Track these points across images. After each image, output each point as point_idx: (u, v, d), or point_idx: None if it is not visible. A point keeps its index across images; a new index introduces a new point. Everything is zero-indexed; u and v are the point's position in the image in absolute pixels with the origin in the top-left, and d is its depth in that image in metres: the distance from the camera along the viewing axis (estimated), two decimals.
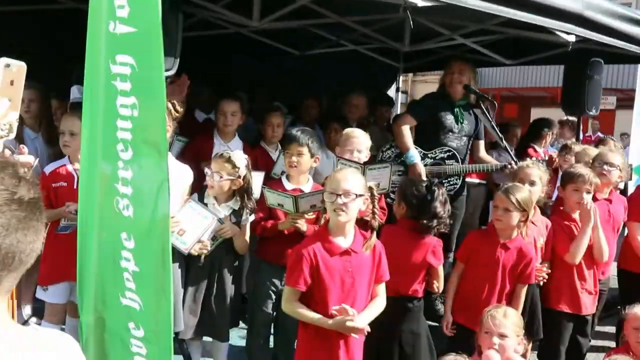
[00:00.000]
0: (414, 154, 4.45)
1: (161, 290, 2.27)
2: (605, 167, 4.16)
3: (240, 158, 3.49)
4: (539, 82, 16.48)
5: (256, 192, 3.68)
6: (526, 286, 3.57)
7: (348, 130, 4.18)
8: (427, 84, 13.80)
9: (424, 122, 4.57)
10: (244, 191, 3.54)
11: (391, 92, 7.95)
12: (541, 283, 3.80)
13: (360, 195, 2.81)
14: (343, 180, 2.81)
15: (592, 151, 4.75)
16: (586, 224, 3.74)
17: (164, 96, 2.17)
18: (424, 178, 4.31)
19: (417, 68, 8.52)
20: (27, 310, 4.41)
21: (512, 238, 3.51)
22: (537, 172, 3.91)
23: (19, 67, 1.76)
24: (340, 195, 2.77)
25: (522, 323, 3.06)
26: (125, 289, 2.36)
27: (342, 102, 5.88)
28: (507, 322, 2.94)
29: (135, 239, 2.30)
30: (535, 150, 6.02)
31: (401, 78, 8.58)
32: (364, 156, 3.99)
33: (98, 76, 2.32)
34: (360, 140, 4.00)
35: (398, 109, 7.83)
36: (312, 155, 3.67)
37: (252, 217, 3.64)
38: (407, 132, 4.50)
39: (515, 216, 3.46)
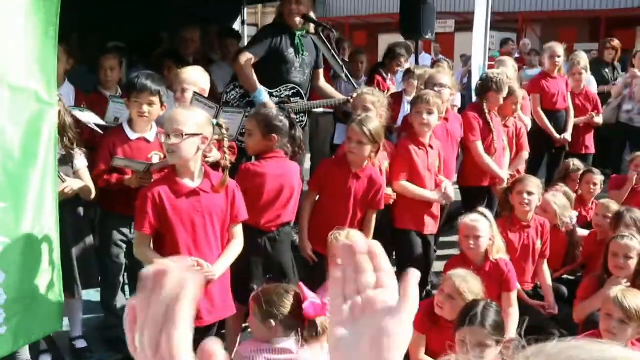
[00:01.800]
0: (262, 92, 4.34)
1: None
2: (435, 88, 4.39)
3: None
4: (384, 8, 16.88)
5: (231, 131, 3.35)
6: (376, 212, 3.74)
7: (182, 69, 3.90)
8: None
9: (264, 57, 4.40)
10: (62, 131, 3.18)
11: (237, 25, 7.76)
12: (391, 202, 3.98)
13: (195, 135, 2.73)
14: (174, 121, 2.73)
15: (430, 72, 5.01)
16: None
17: None
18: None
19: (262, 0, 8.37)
20: None
21: (363, 167, 3.63)
22: (371, 98, 4.04)
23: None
24: (169, 135, 2.70)
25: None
26: None
27: (176, 39, 5.65)
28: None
29: None
30: (383, 78, 6.20)
31: (250, 10, 8.37)
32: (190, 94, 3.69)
33: None
34: (189, 78, 3.71)
35: (245, 43, 7.67)
36: (161, 104, 3.50)
37: (83, 158, 3.35)
38: (250, 70, 4.33)
39: (368, 148, 3.57)
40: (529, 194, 4.02)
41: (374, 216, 3.74)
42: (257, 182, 3.37)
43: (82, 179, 3.32)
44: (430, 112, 4.01)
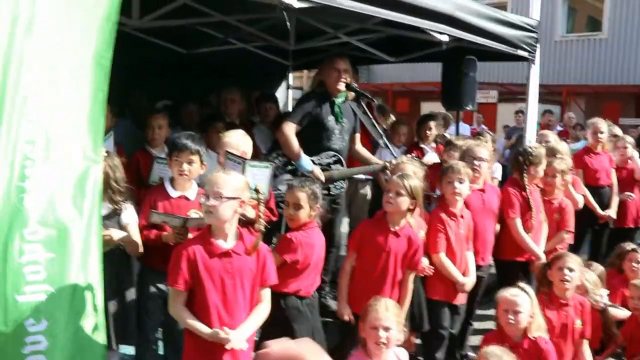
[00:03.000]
0: (307, 160, 4.43)
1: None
2: (474, 162, 4.41)
3: None
4: (427, 77, 17.12)
5: (262, 189, 3.40)
6: (413, 273, 3.72)
7: (225, 133, 4.02)
8: None
9: (306, 125, 4.51)
10: (110, 187, 3.40)
11: (283, 89, 8.00)
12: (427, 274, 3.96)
13: (233, 198, 2.80)
14: (214, 183, 2.81)
15: (469, 144, 5.03)
16: None
17: None
18: (324, 180, 4.38)
19: (307, 65, 8.60)
20: None
21: (401, 226, 3.66)
22: (411, 167, 4.09)
23: None
24: (208, 197, 2.78)
25: (402, 312, 3.19)
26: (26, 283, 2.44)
27: (219, 100, 5.85)
28: (389, 314, 3.04)
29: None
30: (421, 149, 6.23)
31: (297, 74, 8.62)
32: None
33: None
34: (231, 142, 3.82)
35: (290, 106, 7.88)
36: (201, 163, 3.64)
37: (131, 211, 3.49)
38: (293, 140, 4.42)
39: (405, 201, 3.61)
40: (570, 270, 3.93)
41: (411, 277, 3.73)
42: (306, 252, 3.51)
43: (129, 234, 3.43)
44: (461, 181, 4.04)
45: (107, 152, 3.41)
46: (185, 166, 3.57)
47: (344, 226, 5.59)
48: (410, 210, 3.67)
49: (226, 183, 2.81)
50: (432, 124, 6.30)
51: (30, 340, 2.45)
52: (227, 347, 2.73)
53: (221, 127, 4.74)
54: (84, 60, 2.63)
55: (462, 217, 4.13)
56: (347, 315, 3.69)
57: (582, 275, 4.21)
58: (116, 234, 3.37)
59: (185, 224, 3.39)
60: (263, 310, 2.97)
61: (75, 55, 2.61)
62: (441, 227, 4.04)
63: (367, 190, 5.95)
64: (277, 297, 3.29)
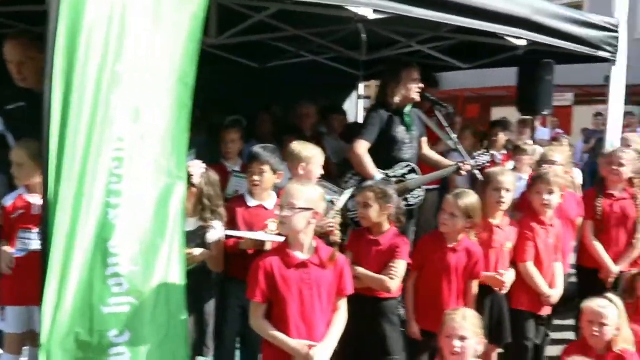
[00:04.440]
0: (380, 178, 4.37)
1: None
2: (546, 165, 4.29)
3: (194, 166, 3.46)
4: (498, 81, 16.73)
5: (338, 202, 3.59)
6: (476, 281, 3.67)
7: (292, 147, 4.04)
8: None
9: (377, 140, 4.47)
10: (201, 203, 3.47)
11: (353, 99, 8.02)
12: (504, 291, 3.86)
13: (306, 209, 2.82)
14: (288, 194, 2.85)
15: (545, 149, 4.90)
16: None
17: None
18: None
19: (378, 75, 8.58)
20: None
21: (458, 241, 3.62)
22: (510, 179, 3.93)
23: None
24: (282, 207, 2.82)
25: (480, 322, 3.12)
26: (111, 295, 2.53)
27: (293, 113, 5.92)
28: (466, 324, 3.00)
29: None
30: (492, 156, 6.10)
31: (367, 84, 8.65)
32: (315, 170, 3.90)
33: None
34: (303, 155, 3.89)
35: (360, 116, 7.89)
36: (274, 172, 3.70)
37: (219, 231, 3.54)
38: (367, 158, 4.40)
39: (460, 221, 3.56)
40: None
41: (475, 285, 3.70)
42: None
43: (213, 251, 3.49)
44: (550, 192, 3.92)
45: (205, 168, 3.51)
46: (256, 177, 3.66)
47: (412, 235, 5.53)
48: (469, 228, 3.62)
49: (300, 194, 2.83)
50: (499, 130, 6.19)
51: (114, 352, 2.53)
52: None
53: (295, 139, 4.79)
54: (169, 80, 2.73)
55: (552, 226, 4.03)
56: (416, 331, 3.70)
57: None
58: (199, 253, 3.43)
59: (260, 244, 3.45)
60: (341, 321, 2.98)
61: (161, 76, 2.71)
62: (530, 236, 3.94)
63: (435, 197, 5.86)
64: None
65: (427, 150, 4.93)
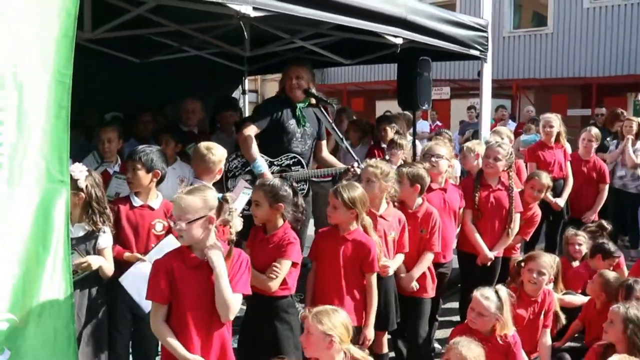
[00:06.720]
0: (261, 163, 4.50)
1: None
2: (432, 159, 4.49)
3: (77, 170, 3.27)
4: (381, 76, 17.33)
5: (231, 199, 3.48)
6: (374, 274, 3.72)
7: (206, 147, 4.08)
8: (275, 82, 13.97)
9: (267, 128, 4.58)
10: (90, 207, 3.30)
11: (238, 94, 7.98)
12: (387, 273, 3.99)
13: (199, 218, 2.76)
14: (177, 208, 2.77)
15: (429, 144, 5.14)
16: None
17: None
18: None
19: (263, 70, 8.62)
20: None
21: (350, 231, 3.68)
22: (374, 171, 4.01)
23: None
24: (176, 221, 2.76)
25: (347, 320, 3.05)
26: None
27: (178, 110, 5.82)
28: (335, 321, 2.93)
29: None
30: (382, 149, 6.29)
31: (250, 78, 8.63)
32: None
33: None
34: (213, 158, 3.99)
35: (246, 110, 7.88)
36: (148, 170, 3.60)
37: (108, 234, 3.39)
38: (251, 142, 4.51)
39: (344, 213, 3.64)
40: (539, 273, 4.09)
41: (372, 279, 3.72)
42: None
43: (104, 258, 3.35)
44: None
45: (88, 170, 3.33)
46: (129, 174, 3.60)
47: (310, 228, 5.61)
48: (355, 218, 3.69)
49: (190, 205, 2.76)
50: (386, 125, 6.41)
51: None
52: None
53: (169, 139, 4.78)
54: (44, 79, 2.57)
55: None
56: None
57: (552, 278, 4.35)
58: (94, 261, 3.28)
59: None
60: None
61: (36, 74, 2.55)
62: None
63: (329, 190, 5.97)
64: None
65: (326, 154, 5.04)
